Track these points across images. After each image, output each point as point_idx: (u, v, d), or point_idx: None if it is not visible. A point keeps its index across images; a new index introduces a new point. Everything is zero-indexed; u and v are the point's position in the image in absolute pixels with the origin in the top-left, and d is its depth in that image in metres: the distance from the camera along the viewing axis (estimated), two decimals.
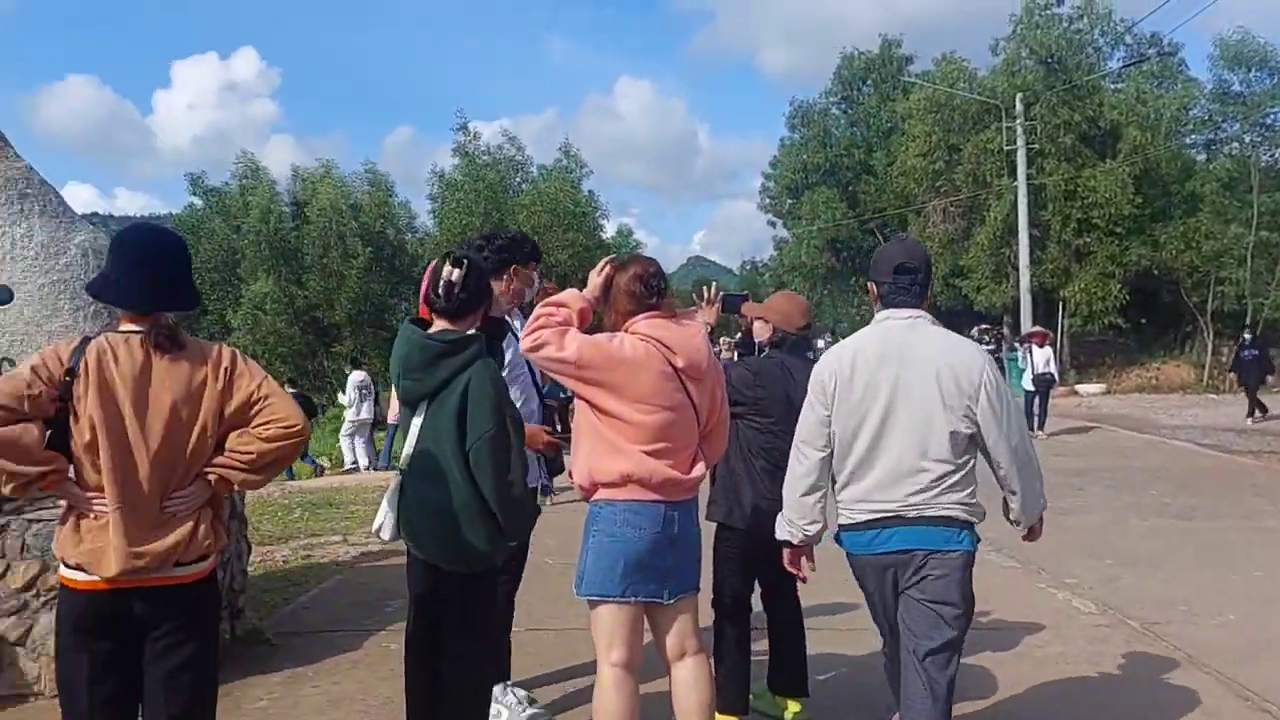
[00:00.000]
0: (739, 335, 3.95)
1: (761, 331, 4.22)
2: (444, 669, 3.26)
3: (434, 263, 3.35)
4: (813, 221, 40.33)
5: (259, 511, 9.82)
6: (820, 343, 13.68)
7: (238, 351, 2.86)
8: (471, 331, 3.23)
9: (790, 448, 3.30)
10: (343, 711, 4.26)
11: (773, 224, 46.92)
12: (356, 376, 16.48)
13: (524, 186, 33.72)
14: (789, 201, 43.88)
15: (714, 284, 4.20)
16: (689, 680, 3.29)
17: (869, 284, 3.35)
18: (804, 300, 4.42)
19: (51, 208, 4.90)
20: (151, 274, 2.70)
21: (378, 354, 31.96)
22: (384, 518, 3.25)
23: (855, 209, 40.06)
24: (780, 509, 3.35)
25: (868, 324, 3.28)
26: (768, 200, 46.20)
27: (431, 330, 3.23)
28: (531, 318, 3.27)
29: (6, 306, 4.56)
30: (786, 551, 3.41)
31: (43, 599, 4.35)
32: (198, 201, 34.50)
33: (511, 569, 4.00)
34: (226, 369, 2.75)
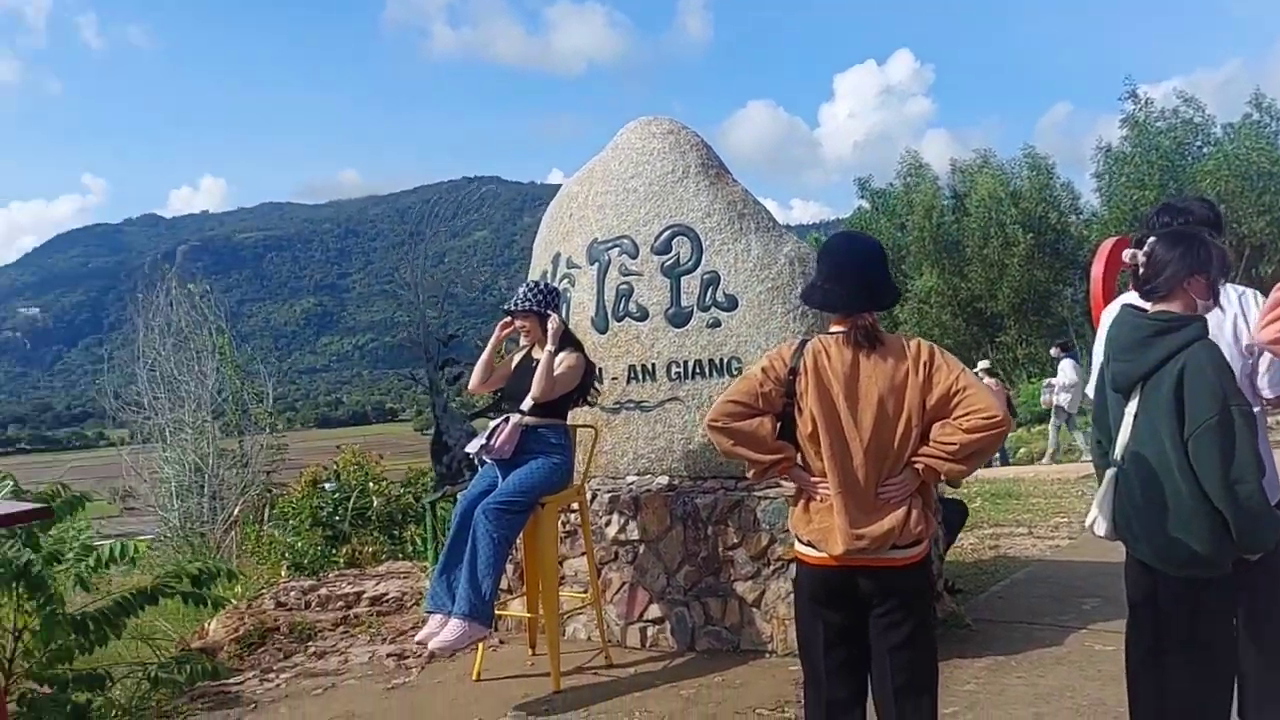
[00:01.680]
0: None
1: None
2: (1167, 682, 3.01)
3: (1101, 243, 3.14)
4: None
5: None
6: None
7: (936, 345, 2.98)
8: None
9: None
10: (1051, 707, 4.18)
11: None
12: (1068, 365, 15.68)
13: (1205, 151, 29.97)
14: None
15: None
16: None
17: None
18: None
19: (763, 224, 5.54)
20: (851, 278, 2.94)
21: (1042, 343, 30.81)
22: (1097, 512, 3.11)
23: None
24: None
25: None
26: None
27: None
28: (1270, 302, 2.86)
29: (732, 313, 5.29)
30: None
31: (772, 567, 4.94)
32: (865, 205, 36.44)
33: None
34: (926, 363, 2.89)
